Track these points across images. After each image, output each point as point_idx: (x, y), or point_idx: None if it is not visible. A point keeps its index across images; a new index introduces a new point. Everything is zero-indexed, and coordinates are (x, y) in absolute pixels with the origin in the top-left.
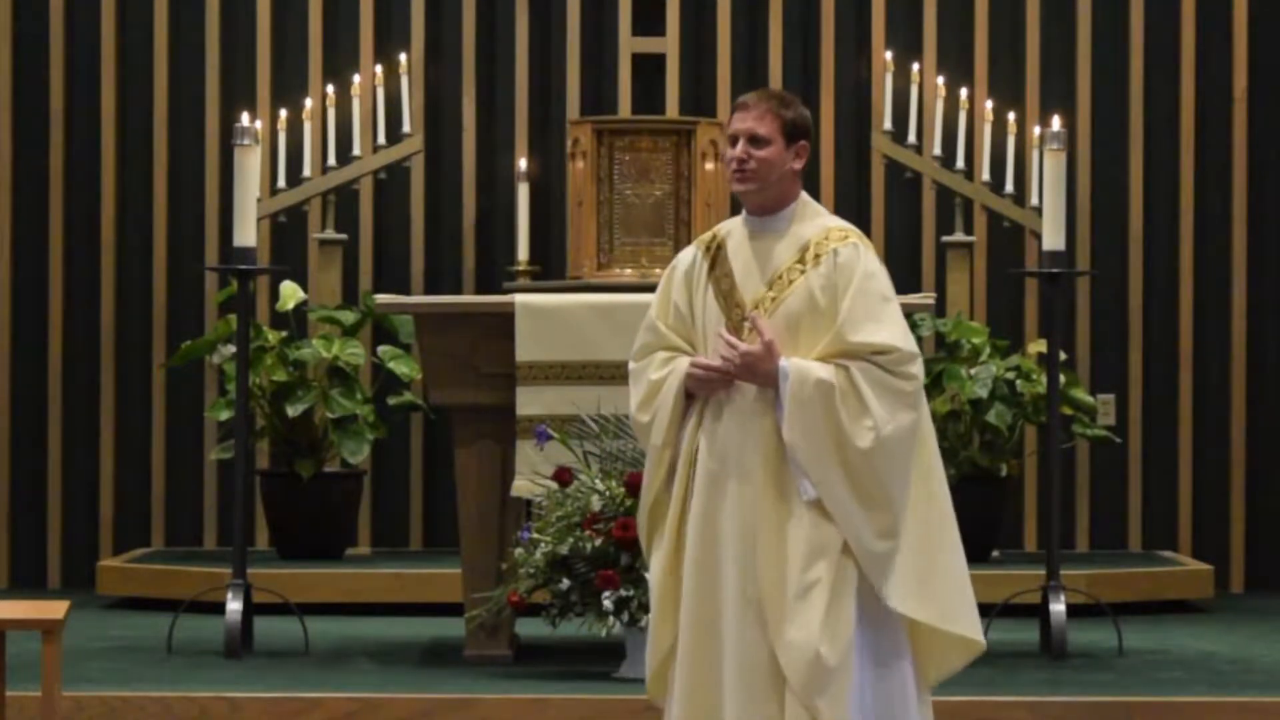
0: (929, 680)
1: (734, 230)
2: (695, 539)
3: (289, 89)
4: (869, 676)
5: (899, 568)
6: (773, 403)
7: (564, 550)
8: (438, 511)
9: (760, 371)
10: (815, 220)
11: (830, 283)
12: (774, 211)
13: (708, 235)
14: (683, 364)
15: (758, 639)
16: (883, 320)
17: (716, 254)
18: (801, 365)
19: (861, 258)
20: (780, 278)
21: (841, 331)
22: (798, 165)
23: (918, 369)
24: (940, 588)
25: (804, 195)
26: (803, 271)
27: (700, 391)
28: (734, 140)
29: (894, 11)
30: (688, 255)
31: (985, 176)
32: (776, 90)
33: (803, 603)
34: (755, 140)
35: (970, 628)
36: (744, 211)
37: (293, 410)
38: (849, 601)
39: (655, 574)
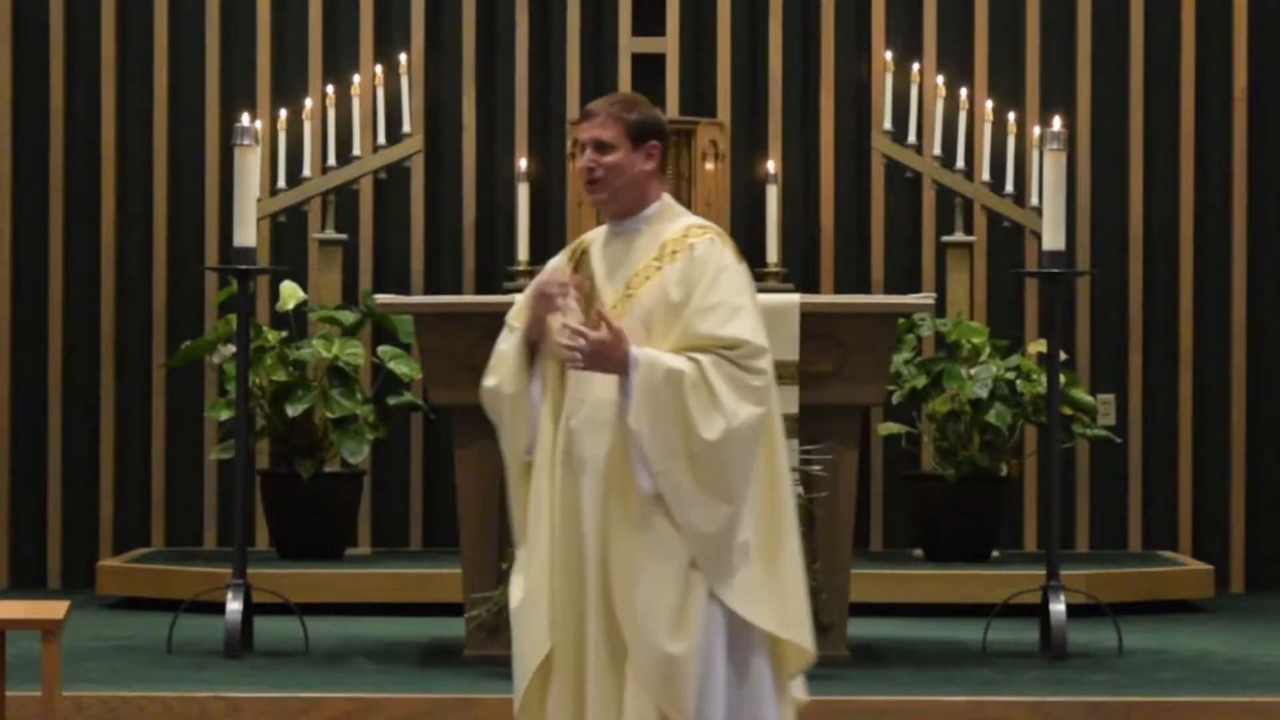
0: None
1: (599, 236)
2: (560, 546)
3: (289, 89)
4: (726, 671)
5: (742, 570)
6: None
7: None
8: (438, 511)
9: (610, 359)
10: (677, 221)
11: (685, 276)
12: (634, 214)
13: (575, 242)
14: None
15: (613, 639)
16: (734, 314)
17: (581, 259)
18: (652, 354)
19: (717, 252)
20: (637, 275)
21: (692, 323)
22: (649, 166)
23: (767, 364)
24: (779, 594)
25: (666, 197)
26: (659, 269)
27: (538, 317)
28: (581, 149)
29: (894, 11)
30: (553, 263)
31: (985, 176)
32: (623, 94)
33: (655, 602)
34: (600, 147)
35: (804, 636)
36: (606, 219)
37: (293, 410)
38: (700, 599)
39: (520, 587)
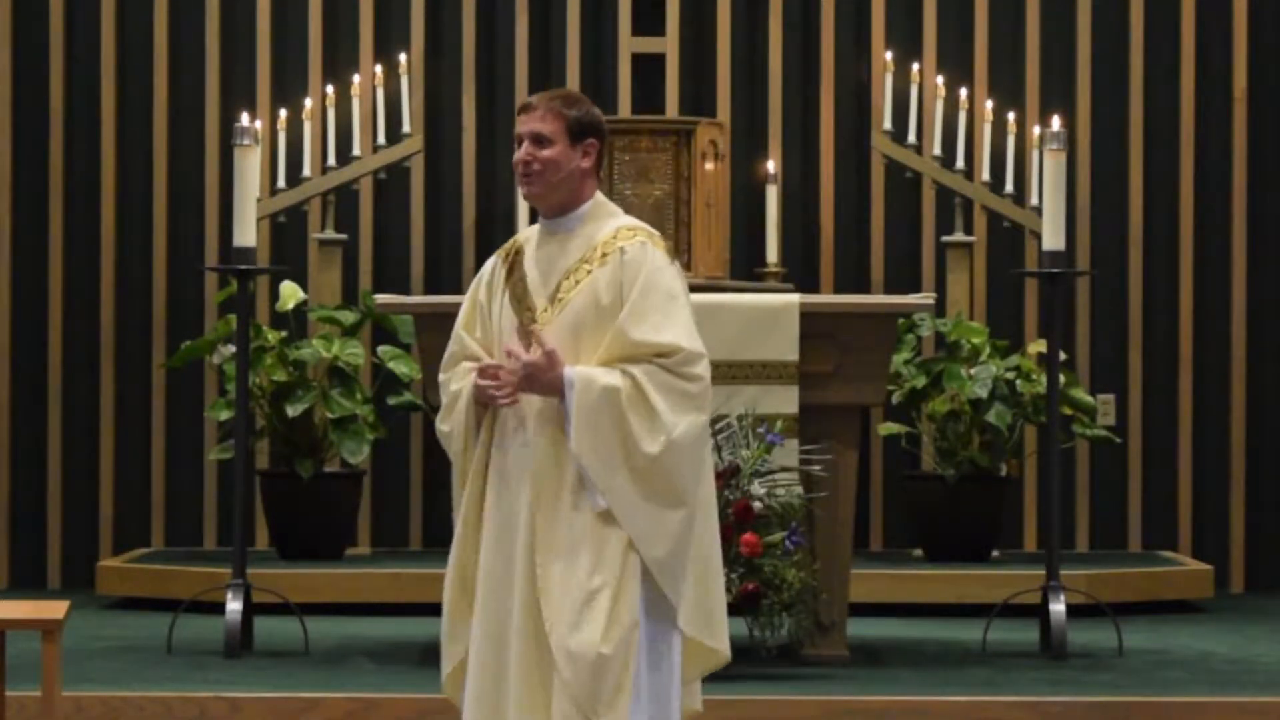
0: (684, 678)
1: (532, 236)
2: (488, 547)
3: (289, 89)
4: (643, 668)
5: (689, 587)
6: (559, 411)
7: None
8: (438, 511)
9: (543, 381)
10: (609, 221)
11: (616, 280)
12: (567, 212)
13: (509, 243)
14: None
15: (540, 646)
16: (668, 319)
17: (514, 259)
18: (586, 373)
19: (649, 255)
20: (568, 278)
21: (624, 329)
22: (586, 164)
23: (703, 369)
24: (712, 601)
25: (599, 196)
26: (589, 271)
27: (485, 400)
28: (519, 142)
29: (894, 11)
30: (489, 264)
31: (985, 176)
32: (564, 90)
33: (588, 609)
34: (538, 140)
35: (724, 641)
36: (540, 216)
37: (293, 410)
38: (631, 604)
39: (449, 580)
